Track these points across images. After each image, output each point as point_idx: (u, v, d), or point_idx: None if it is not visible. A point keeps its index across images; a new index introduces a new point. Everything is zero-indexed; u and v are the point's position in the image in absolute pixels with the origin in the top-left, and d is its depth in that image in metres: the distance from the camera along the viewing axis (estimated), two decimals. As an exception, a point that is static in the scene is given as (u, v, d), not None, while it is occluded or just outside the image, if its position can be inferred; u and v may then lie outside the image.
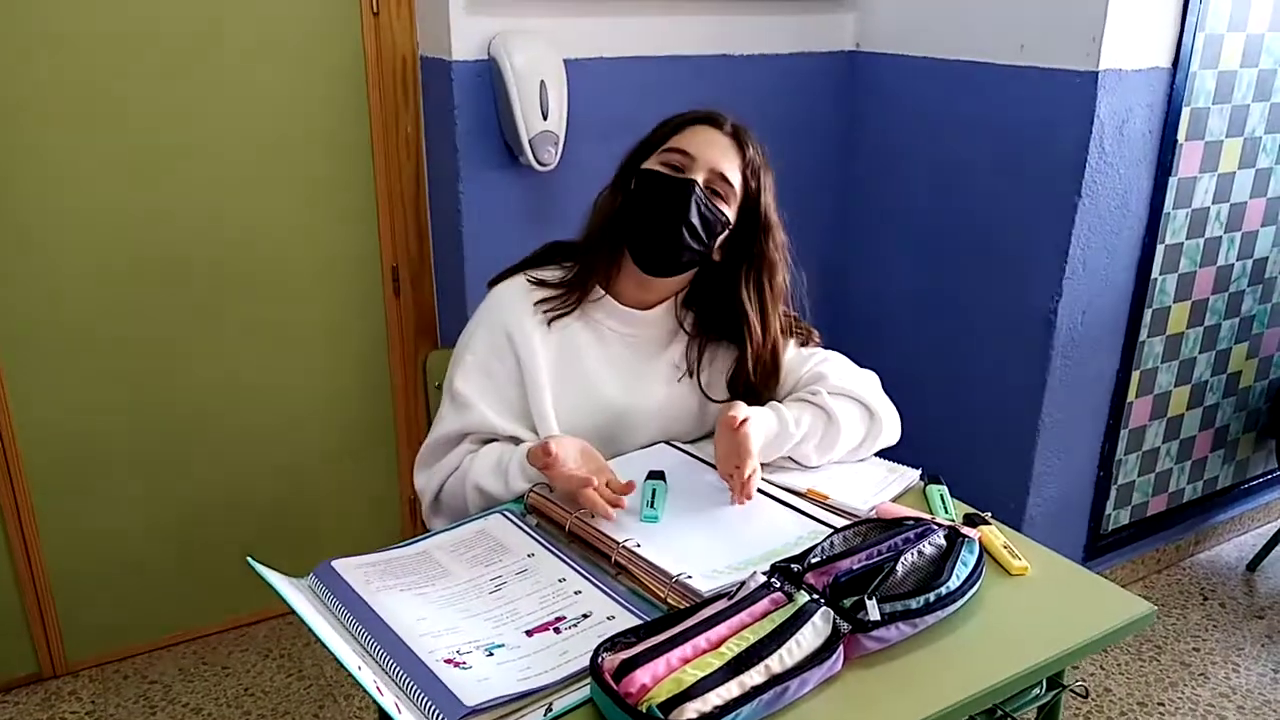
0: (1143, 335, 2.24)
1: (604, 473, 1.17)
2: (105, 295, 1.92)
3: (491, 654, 0.90)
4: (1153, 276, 2.20)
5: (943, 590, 0.96)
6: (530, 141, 1.94)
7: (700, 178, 1.22)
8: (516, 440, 1.27)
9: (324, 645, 0.89)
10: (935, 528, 1.05)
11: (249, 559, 0.98)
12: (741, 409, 1.18)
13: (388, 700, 0.83)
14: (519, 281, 1.32)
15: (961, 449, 2.30)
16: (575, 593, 1.01)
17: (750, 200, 1.26)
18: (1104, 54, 1.90)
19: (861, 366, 1.40)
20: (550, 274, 1.32)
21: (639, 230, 1.25)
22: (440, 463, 1.31)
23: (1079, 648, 0.97)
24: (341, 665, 0.86)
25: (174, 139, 1.90)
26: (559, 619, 0.96)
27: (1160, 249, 2.18)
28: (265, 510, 2.17)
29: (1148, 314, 2.23)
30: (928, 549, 1.01)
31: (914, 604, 0.94)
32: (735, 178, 1.24)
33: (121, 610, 2.12)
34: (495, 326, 1.30)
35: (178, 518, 2.11)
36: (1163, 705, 2.08)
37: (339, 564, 1.03)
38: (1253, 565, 2.59)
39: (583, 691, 0.86)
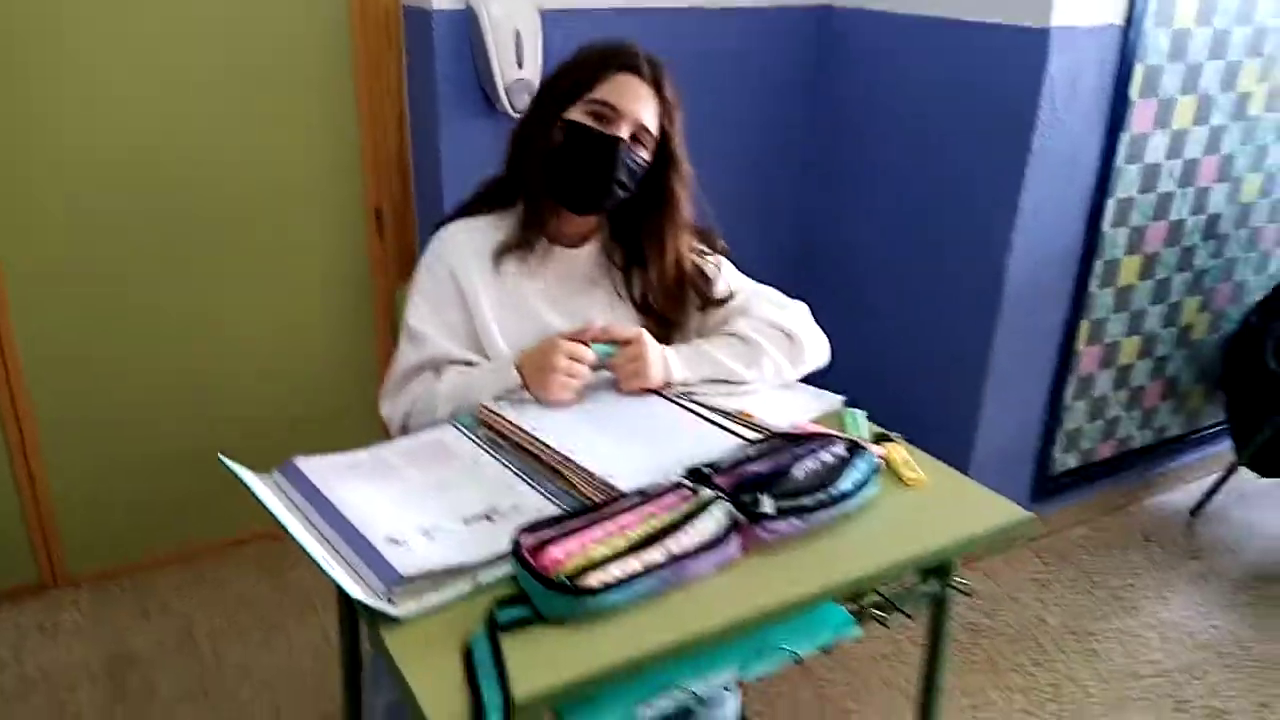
0: (1092, 286, 2.34)
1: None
2: (100, 233, 2.04)
3: (429, 536, 1.02)
4: (1103, 230, 2.29)
5: (834, 491, 1.08)
6: (506, 89, 2.04)
7: (626, 132, 1.32)
8: (471, 365, 1.38)
9: (282, 527, 1.02)
10: (838, 440, 1.16)
11: (219, 455, 1.10)
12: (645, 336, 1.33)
13: (336, 572, 0.95)
14: (460, 225, 1.42)
15: (914, 392, 2.42)
16: (512, 490, 1.13)
17: (662, 138, 1.36)
18: (1056, 11, 1.98)
19: (825, 314, 1.50)
20: (489, 218, 1.42)
21: (568, 182, 1.34)
22: (403, 393, 1.42)
23: (955, 544, 1.09)
24: (296, 542, 0.99)
25: (161, 83, 2.00)
26: (494, 510, 1.08)
27: (1112, 203, 2.28)
28: (255, 436, 2.30)
29: (1098, 265, 2.33)
30: (827, 457, 1.13)
31: (806, 501, 1.06)
32: (654, 125, 1.34)
33: (120, 527, 2.26)
34: (440, 268, 1.40)
35: (175, 442, 2.24)
36: (1092, 634, 2.21)
37: (301, 461, 1.15)
38: (1195, 511, 2.71)
39: (507, 568, 0.98)
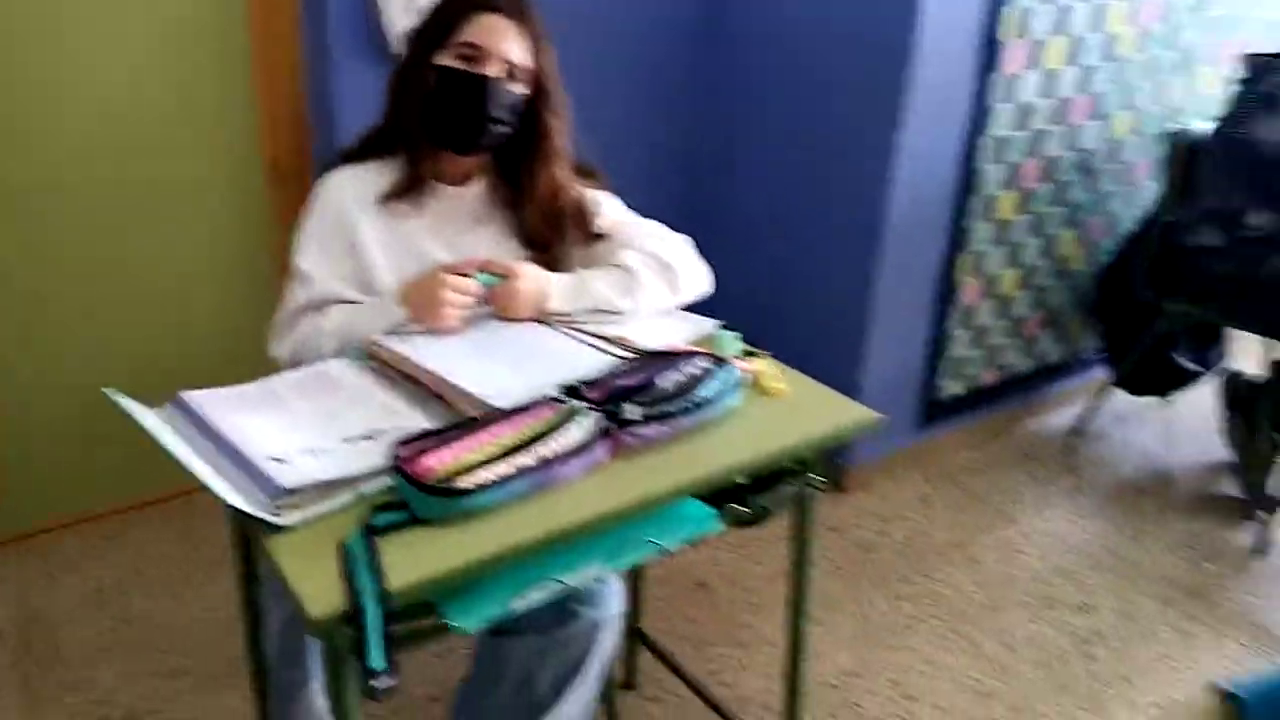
0: (971, 221, 2.47)
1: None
2: None
3: (313, 454, 1.07)
4: (980, 167, 2.41)
5: (696, 398, 1.16)
6: (399, 35, 2.06)
7: (494, 70, 1.36)
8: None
9: (169, 454, 1.06)
10: (703, 355, 1.24)
11: (104, 390, 1.13)
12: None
13: (220, 486, 1.00)
14: (346, 170, 1.46)
15: (804, 325, 2.52)
16: (396, 415, 1.18)
17: (535, 71, 1.41)
18: (926, -45, 2.08)
19: (715, 253, 1.57)
20: (374, 163, 1.45)
21: (446, 125, 1.39)
22: (291, 333, 1.45)
23: (807, 441, 1.19)
24: (182, 465, 1.03)
25: (42, 30, 1.97)
26: (377, 431, 1.14)
27: (988, 141, 2.39)
28: (154, 390, 2.29)
29: (976, 201, 2.45)
30: (692, 369, 1.21)
31: (669, 408, 1.14)
32: (524, 59, 1.39)
33: (22, 490, 2.25)
34: (326, 211, 1.43)
35: (78, 402, 2.24)
36: (974, 545, 2.37)
37: (189, 395, 1.19)
38: (1074, 432, 2.89)
39: (388, 481, 1.04)
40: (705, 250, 1.54)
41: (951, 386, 2.68)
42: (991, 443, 2.82)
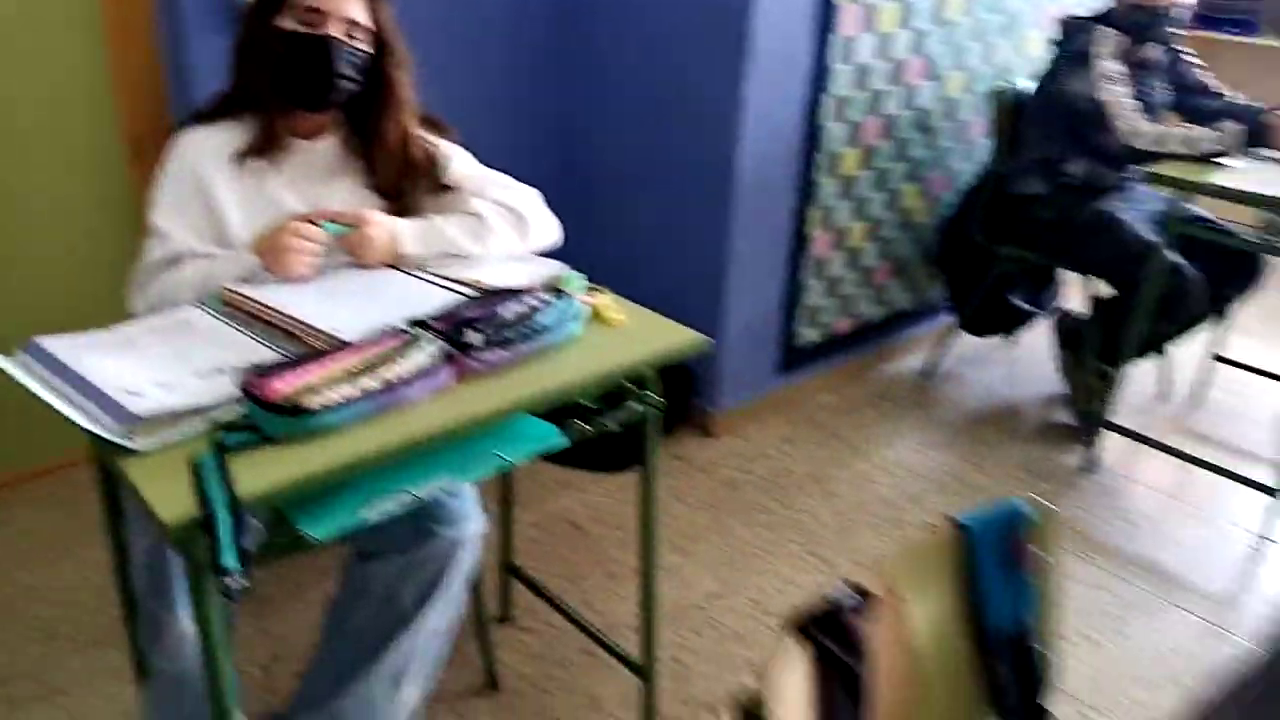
0: (818, 176, 2.63)
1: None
2: None
3: (165, 388, 1.13)
4: (823, 124, 2.57)
5: (536, 325, 1.27)
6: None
7: (336, 30, 1.43)
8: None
9: (24, 387, 1.11)
10: (544, 289, 1.34)
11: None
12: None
13: (74, 414, 1.06)
14: (199, 129, 1.50)
15: (666, 279, 2.65)
16: (249, 353, 1.25)
17: (375, 28, 1.48)
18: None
19: (580, 210, 1.65)
20: (226, 123, 1.50)
21: (293, 86, 1.44)
22: (149, 287, 1.48)
23: (639, 361, 1.31)
24: (38, 396, 1.08)
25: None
26: (229, 365, 1.20)
27: (829, 100, 2.55)
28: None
29: (822, 157, 2.61)
30: (532, 301, 1.31)
31: (510, 334, 1.24)
32: (364, 17, 1.45)
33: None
34: (181, 169, 1.47)
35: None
36: (830, 478, 2.55)
37: (44, 340, 1.23)
38: (925, 374, 3.11)
39: (241, 409, 1.11)
40: (574, 210, 1.63)
41: (809, 334, 2.85)
42: (848, 386, 3.01)
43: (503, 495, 1.91)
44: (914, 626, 0.85)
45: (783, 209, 2.60)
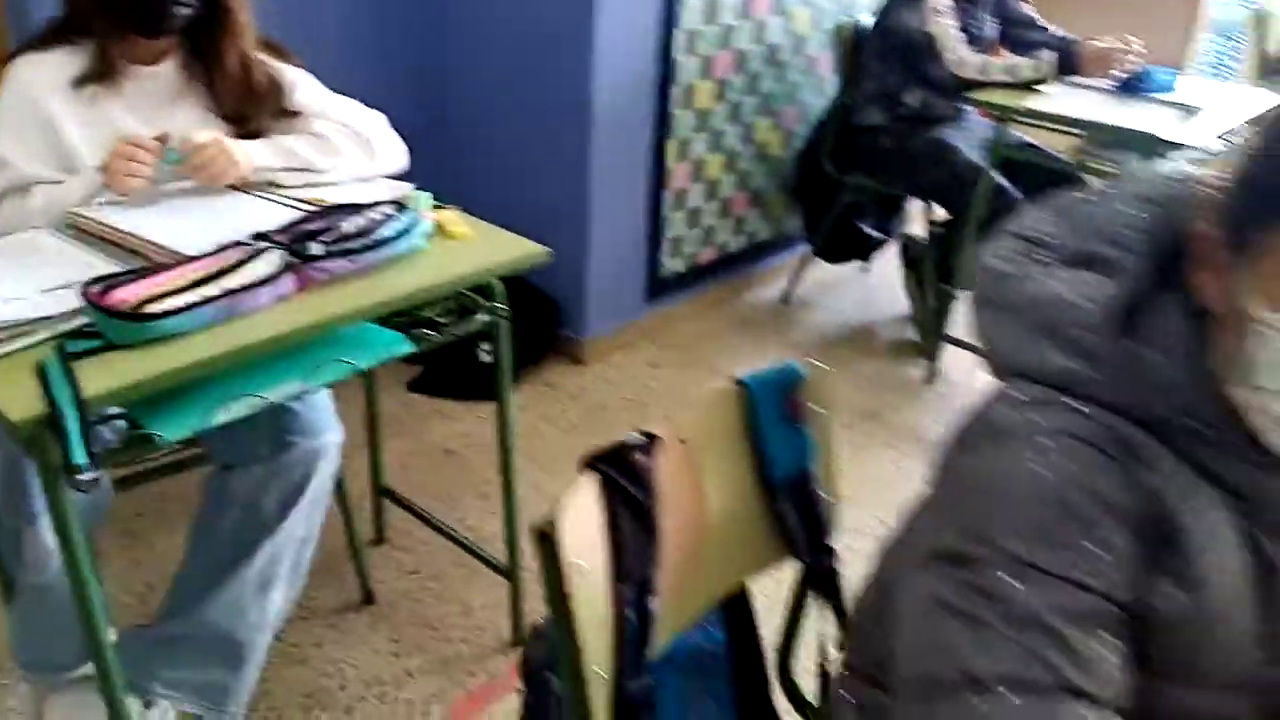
0: (674, 109, 2.73)
1: None
2: None
3: (5, 301, 1.17)
4: (676, 58, 2.67)
5: (378, 236, 1.34)
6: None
7: None
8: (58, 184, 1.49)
9: None
10: (387, 203, 1.41)
11: None
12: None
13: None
14: (34, 56, 1.49)
15: (531, 212, 2.69)
16: (93, 268, 1.28)
17: None
18: None
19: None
20: (62, 49, 1.49)
21: (129, 12, 1.44)
22: None
23: (477, 272, 1.40)
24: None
25: None
26: (73, 282, 1.24)
27: (681, 34, 2.65)
28: None
29: (676, 91, 2.71)
30: (374, 214, 1.38)
31: (352, 245, 1.31)
32: None
33: None
34: (18, 98, 1.46)
35: None
36: (693, 397, 2.68)
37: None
38: (784, 300, 3.27)
39: (85, 320, 1.16)
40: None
41: (673, 264, 2.97)
42: (712, 313, 3.15)
43: (370, 421, 1.98)
44: (701, 469, 0.98)
45: (641, 143, 2.70)
